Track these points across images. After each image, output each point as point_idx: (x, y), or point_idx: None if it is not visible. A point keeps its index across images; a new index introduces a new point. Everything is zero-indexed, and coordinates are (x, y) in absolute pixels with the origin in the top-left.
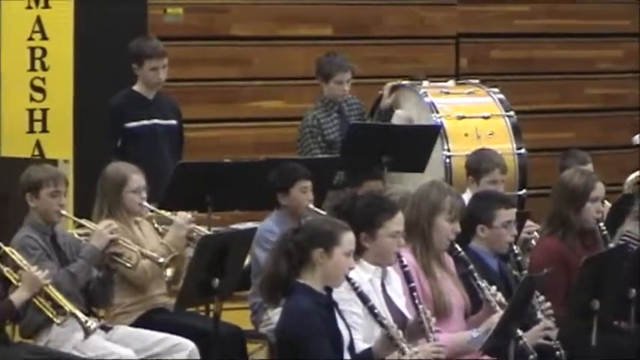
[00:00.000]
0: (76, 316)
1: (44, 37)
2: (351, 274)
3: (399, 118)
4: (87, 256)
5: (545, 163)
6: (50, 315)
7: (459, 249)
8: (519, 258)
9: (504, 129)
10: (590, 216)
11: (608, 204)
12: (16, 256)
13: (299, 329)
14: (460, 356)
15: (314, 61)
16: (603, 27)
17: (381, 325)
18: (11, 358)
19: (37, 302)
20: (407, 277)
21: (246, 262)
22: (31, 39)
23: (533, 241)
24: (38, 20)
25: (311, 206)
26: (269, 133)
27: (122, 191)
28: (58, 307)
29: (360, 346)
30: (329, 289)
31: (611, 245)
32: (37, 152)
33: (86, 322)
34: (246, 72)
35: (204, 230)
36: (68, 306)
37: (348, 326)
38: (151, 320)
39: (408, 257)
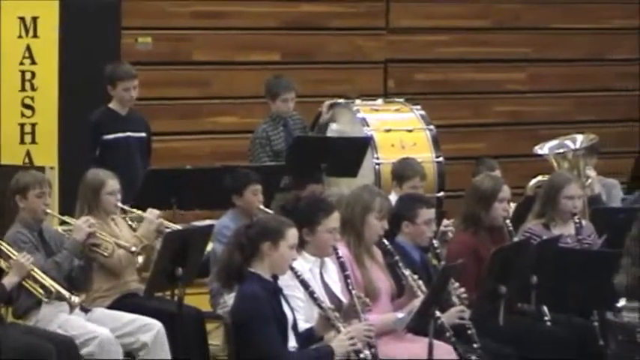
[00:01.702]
0: (60, 293)
1: (33, 62)
2: (295, 264)
3: (332, 131)
4: (69, 248)
5: (460, 169)
6: (39, 295)
7: (387, 243)
8: (438, 250)
9: (425, 140)
10: (497, 214)
11: (513, 204)
12: (6, 247)
13: (250, 311)
14: (387, 334)
15: (263, 82)
16: (509, 53)
17: (320, 307)
18: (5, 336)
19: (26, 285)
20: (342, 267)
21: (206, 253)
22: (22, 63)
23: (450, 234)
24: (28, 48)
25: (261, 206)
26: (225, 144)
27: (100, 193)
28: (45, 289)
29: (302, 325)
30: (275, 277)
31: (516, 239)
32: (27, 160)
33: (70, 297)
34: (206, 92)
35: (171, 224)
36: (54, 286)
37: (291, 309)
38: (124, 303)
39: (342, 250)
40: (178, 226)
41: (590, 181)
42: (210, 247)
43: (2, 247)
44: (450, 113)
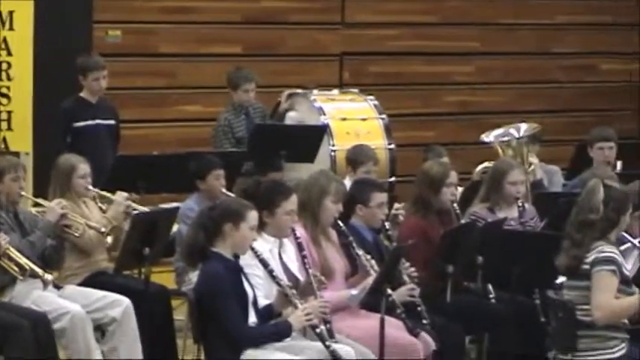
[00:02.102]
0: (34, 271)
1: (9, 54)
2: (255, 244)
3: (290, 119)
4: (43, 228)
5: (410, 156)
6: (14, 273)
7: (341, 224)
8: (389, 232)
9: (378, 129)
10: (445, 198)
11: (460, 189)
12: None
13: (212, 288)
14: (342, 310)
15: (225, 73)
16: (458, 47)
17: (279, 285)
18: None
19: (2, 263)
20: (299, 247)
21: (171, 234)
22: None
23: (401, 217)
24: (4, 40)
25: (223, 190)
26: (189, 132)
27: (72, 177)
28: (20, 267)
29: (262, 302)
30: (236, 256)
31: (463, 222)
32: (2, 146)
33: (43, 275)
34: (172, 82)
35: (138, 207)
36: (28, 264)
37: (252, 286)
38: (94, 281)
39: (300, 231)
40: (145, 209)
41: (532, 167)
42: (175, 228)
43: None
44: (401, 103)
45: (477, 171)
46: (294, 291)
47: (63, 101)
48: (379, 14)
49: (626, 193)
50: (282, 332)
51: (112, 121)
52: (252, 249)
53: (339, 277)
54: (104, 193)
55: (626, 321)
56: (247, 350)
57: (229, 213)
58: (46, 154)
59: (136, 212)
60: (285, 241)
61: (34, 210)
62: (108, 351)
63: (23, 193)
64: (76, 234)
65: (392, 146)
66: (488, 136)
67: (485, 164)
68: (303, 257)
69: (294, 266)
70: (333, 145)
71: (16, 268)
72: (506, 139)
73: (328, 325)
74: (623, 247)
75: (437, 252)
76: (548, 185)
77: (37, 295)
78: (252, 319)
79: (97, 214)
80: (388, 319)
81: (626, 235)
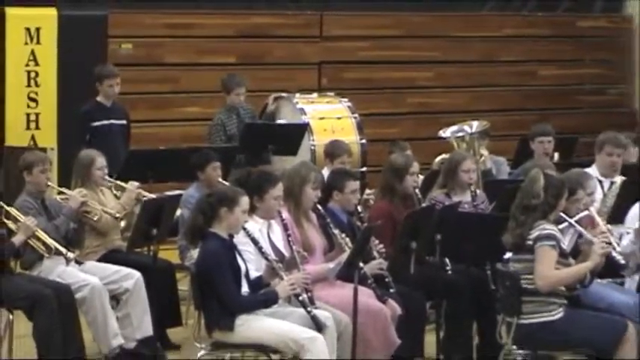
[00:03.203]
0: (58, 250)
1: (37, 64)
2: (247, 225)
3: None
4: (66, 213)
5: (379, 149)
6: (41, 251)
7: (320, 208)
8: (361, 214)
9: (351, 126)
10: (409, 185)
11: (421, 177)
12: (15, 213)
13: (210, 263)
14: (321, 281)
15: (220, 80)
16: (419, 56)
17: (267, 260)
18: (14, 283)
19: (31, 243)
20: (284, 227)
21: (175, 217)
22: (27, 65)
23: (371, 201)
24: (32, 52)
25: (219, 179)
26: (191, 130)
27: (91, 169)
28: (46, 246)
29: (253, 274)
30: (231, 236)
31: (424, 205)
32: (32, 143)
33: (66, 253)
34: (175, 87)
35: (147, 194)
36: (53, 244)
37: (244, 261)
38: (110, 257)
39: (285, 213)
40: (153, 195)
41: (483, 158)
42: (178, 212)
43: (12, 212)
44: (371, 104)
45: (435, 162)
46: (280, 265)
47: (82, 105)
48: (352, 28)
49: (562, 181)
50: (270, 300)
51: (124, 121)
52: (244, 229)
53: (318, 252)
54: (118, 182)
55: (563, 288)
56: (241, 315)
57: (224, 199)
58: (68, 149)
59: (145, 199)
60: (273, 222)
61: (58, 198)
62: (122, 317)
63: (49, 183)
64: (94, 218)
65: (363, 141)
66: (445, 132)
67: (443, 156)
68: (288, 236)
69: (281, 244)
70: (313, 141)
71: (43, 247)
72: (460, 134)
73: (309, 294)
74: (561, 226)
75: (401, 231)
76: (496, 174)
77: (62, 270)
78: (245, 289)
79: (112, 200)
80: (360, 288)
81: (563, 215)
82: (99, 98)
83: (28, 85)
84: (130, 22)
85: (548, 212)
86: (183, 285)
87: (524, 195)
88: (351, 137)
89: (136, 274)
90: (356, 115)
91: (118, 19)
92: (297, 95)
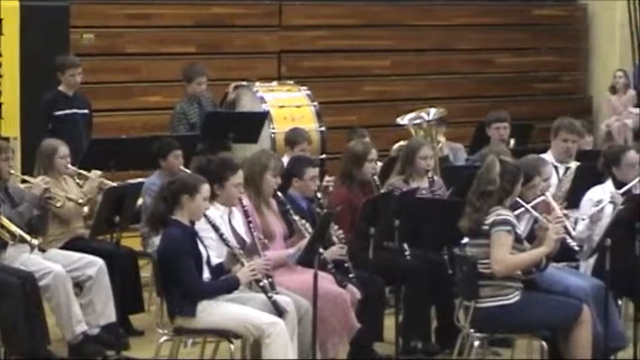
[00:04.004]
0: (22, 237)
1: (0, 55)
2: (208, 212)
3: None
4: (29, 200)
5: (338, 137)
6: (5, 238)
7: (280, 195)
8: (321, 200)
9: (310, 114)
10: (367, 172)
11: (379, 164)
12: None
13: (172, 250)
14: (282, 267)
15: (181, 69)
16: (376, 45)
17: (228, 246)
18: None
19: None
20: (245, 214)
21: (138, 204)
22: None
23: (330, 188)
24: None
25: (181, 167)
26: (152, 119)
27: (53, 157)
28: (11, 234)
29: (214, 260)
30: (192, 222)
31: (382, 191)
32: None
33: (30, 240)
34: (137, 77)
35: (109, 182)
36: (17, 231)
37: (205, 247)
38: (73, 245)
39: (246, 200)
40: (115, 184)
41: (440, 145)
42: (141, 200)
43: None
44: (330, 92)
45: (393, 149)
46: (241, 251)
47: (45, 94)
48: (311, 18)
49: (518, 166)
50: (231, 286)
51: (86, 111)
52: (206, 216)
53: (278, 239)
54: (81, 171)
55: (519, 272)
56: (202, 301)
57: (186, 186)
58: (31, 139)
59: (107, 186)
60: (234, 209)
61: (22, 185)
62: (85, 304)
63: (12, 171)
64: (58, 205)
65: (322, 129)
66: (403, 120)
67: (401, 143)
68: (249, 223)
69: (242, 230)
70: (273, 129)
71: (7, 235)
72: (417, 121)
73: (270, 280)
74: (517, 212)
75: (361, 217)
76: (453, 160)
77: (25, 258)
78: (206, 275)
79: (74, 188)
80: (320, 273)
81: (519, 200)
82: (61, 88)
83: None
84: (92, 13)
85: (504, 198)
86: (146, 272)
87: (481, 181)
88: (310, 125)
89: (99, 262)
90: (315, 103)
91: (80, 9)
92: (257, 84)
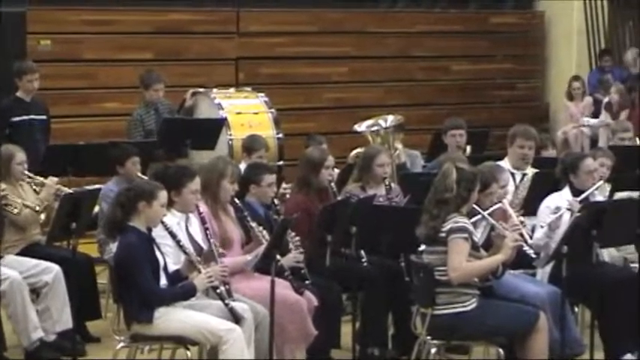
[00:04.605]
0: None
1: None
2: (165, 219)
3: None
4: None
5: (295, 143)
6: None
7: (237, 201)
8: (278, 207)
9: (268, 121)
10: (324, 179)
11: (336, 170)
12: None
13: (129, 257)
14: (239, 273)
15: (139, 76)
16: (334, 52)
17: (185, 253)
18: None
19: None
20: (202, 221)
21: (95, 211)
22: None
23: (287, 195)
24: None
25: (138, 174)
26: (110, 125)
27: (10, 164)
28: None
29: (171, 267)
30: (149, 229)
31: (339, 198)
32: None
33: None
34: (94, 83)
35: (66, 189)
36: None
37: (162, 254)
38: (29, 251)
39: (203, 207)
40: (71, 190)
41: (397, 152)
42: (97, 207)
43: None
44: (288, 99)
45: (350, 155)
46: (198, 258)
47: (2, 100)
48: (268, 25)
49: (474, 174)
50: (188, 293)
51: (43, 117)
52: (163, 223)
53: (236, 245)
54: (38, 177)
55: (476, 280)
56: (159, 308)
57: (143, 193)
58: None
59: (64, 193)
60: (191, 215)
61: None
62: (42, 310)
63: None
64: (14, 212)
65: (280, 135)
66: (360, 126)
67: (358, 150)
68: (206, 229)
69: (199, 237)
70: (231, 135)
71: None
72: (375, 128)
73: (227, 286)
74: (474, 219)
75: (318, 224)
76: (411, 167)
77: None
78: (163, 282)
79: (31, 195)
80: (277, 280)
81: (476, 207)
82: (18, 94)
83: None
84: (49, 19)
85: (460, 205)
86: (103, 278)
87: (437, 189)
88: (267, 132)
89: (56, 268)
90: (273, 109)
91: (37, 15)
92: (215, 90)
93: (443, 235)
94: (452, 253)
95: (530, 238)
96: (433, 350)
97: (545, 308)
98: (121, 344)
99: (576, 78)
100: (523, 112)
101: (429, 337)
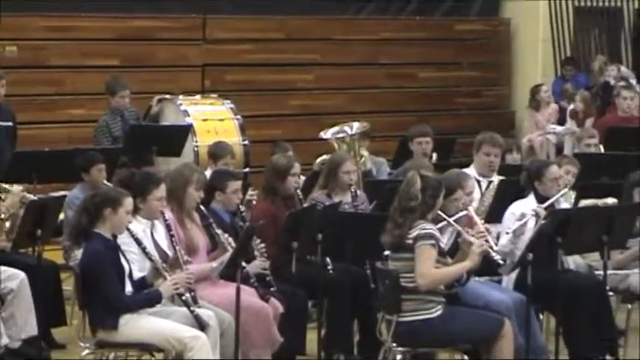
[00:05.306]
0: None
1: None
2: (130, 226)
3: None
4: None
5: (261, 150)
6: None
7: (203, 208)
8: (244, 214)
9: (234, 128)
10: (290, 186)
11: (302, 177)
12: None
13: (94, 263)
14: (204, 280)
15: (104, 82)
16: (300, 59)
17: (150, 260)
18: None
19: None
20: (168, 228)
21: (60, 218)
22: None
23: (253, 201)
24: None
25: (104, 181)
26: (76, 132)
27: None
28: None
29: (137, 274)
30: (115, 236)
31: (305, 205)
32: None
33: None
34: (61, 89)
35: (31, 197)
36: None
37: (128, 261)
38: None
39: (168, 214)
40: (36, 197)
41: (363, 159)
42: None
43: None
44: (254, 106)
45: (316, 163)
46: (164, 265)
47: None
48: (235, 32)
49: (439, 181)
50: (153, 300)
51: (9, 123)
52: (128, 230)
53: (202, 252)
54: (3, 184)
55: (442, 287)
56: (124, 315)
57: (108, 199)
58: None
59: (30, 200)
60: (156, 222)
61: None
62: (7, 317)
63: None
64: None
65: (246, 142)
66: (326, 133)
67: (324, 157)
68: (172, 236)
69: (164, 244)
70: (196, 142)
71: None
72: (341, 135)
73: (192, 293)
74: (439, 225)
75: (283, 231)
76: (376, 174)
77: None
78: (129, 288)
79: None
80: (243, 287)
81: (442, 214)
82: None
83: None
84: (14, 25)
85: (426, 212)
86: (68, 285)
87: (402, 198)
88: (233, 138)
89: (21, 274)
90: (239, 116)
91: (2, 21)
92: (181, 97)
93: (409, 241)
94: (419, 260)
95: (496, 244)
96: (398, 357)
97: (510, 315)
98: (87, 351)
99: (540, 86)
100: (489, 119)
101: (394, 344)
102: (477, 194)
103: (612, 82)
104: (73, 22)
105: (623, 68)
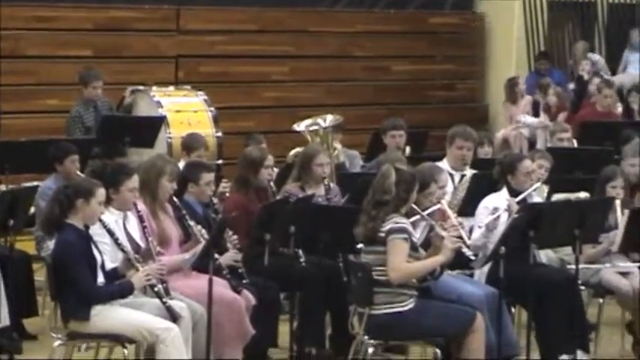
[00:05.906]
0: None
1: None
2: (103, 217)
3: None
4: None
5: (235, 142)
6: None
7: (176, 200)
8: (216, 206)
9: (207, 119)
10: (263, 178)
11: (275, 170)
12: None
13: (66, 254)
14: (177, 272)
15: (78, 73)
16: (275, 51)
17: (123, 251)
18: None
19: None
20: (140, 219)
21: (32, 208)
22: None
23: (226, 193)
24: None
25: (77, 172)
26: (49, 122)
27: None
28: None
29: (109, 265)
30: (87, 227)
31: (278, 198)
32: None
33: None
34: (35, 80)
35: (3, 187)
36: None
37: (100, 252)
38: None
39: (141, 205)
40: (6, 187)
41: (336, 152)
42: (35, 203)
43: None
44: (227, 98)
45: (290, 155)
46: (136, 256)
47: None
48: (209, 23)
49: (413, 174)
50: (125, 291)
51: None
52: (101, 220)
53: (174, 243)
54: None
55: (415, 280)
56: (96, 306)
57: (81, 190)
58: None
59: (1, 191)
60: (129, 213)
61: None
62: None
63: None
64: None
65: (219, 134)
66: (300, 126)
67: (297, 149)
68: (144, 228)
69: (137, 235)
70: (170, 133)
71: None
72: (314, 128)
73: (165, 285)
74: (412, 219)
75: (256, 223)
76: (350, 167)
77: None
78: (101, 279)
79: None
80: (215, 279)
81: (415, 207)
82: None
83: None
84: None
85: (400, 206)
86: (40, 275)
87: (376, 191)
88: (207, 130)
89: None
90: (212, 108)
91: None
92: (154, 88)
93: (382, 235)
94: (392, 254)
95: (469, 238)
96: (370, 350)
97: (482, 309)
98: (58, 342)
99: (516, 78)
100: (462, 113)
101: (366, 337)
102: (449, 188)
103: (586, 76)
104: (48, 12)
105: (596, 57)
